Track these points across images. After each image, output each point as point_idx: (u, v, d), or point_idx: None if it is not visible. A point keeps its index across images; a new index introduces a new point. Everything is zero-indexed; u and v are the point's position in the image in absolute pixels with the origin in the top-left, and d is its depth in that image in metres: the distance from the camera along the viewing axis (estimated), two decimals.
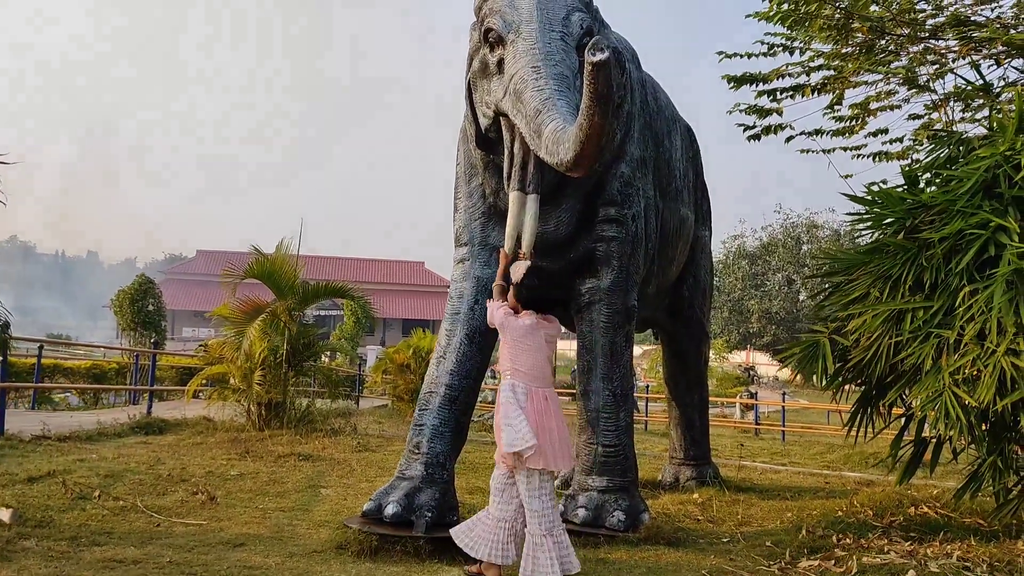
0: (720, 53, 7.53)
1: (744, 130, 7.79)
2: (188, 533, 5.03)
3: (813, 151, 7.97)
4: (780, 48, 7.37)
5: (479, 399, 7.93)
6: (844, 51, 7.07)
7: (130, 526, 5.14)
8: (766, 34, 7.26)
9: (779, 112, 7.61)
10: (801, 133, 7.75)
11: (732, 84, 7.47)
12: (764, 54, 7.40)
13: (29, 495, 5.61)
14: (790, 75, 7.46)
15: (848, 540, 4.99)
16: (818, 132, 7.76)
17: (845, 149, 8.07)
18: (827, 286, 5.47)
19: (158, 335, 20.88)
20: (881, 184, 5.21)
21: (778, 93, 7.50)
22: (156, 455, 7.71)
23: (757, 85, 7.46)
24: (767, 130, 7.73)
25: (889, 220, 4.98)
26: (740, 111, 7.68)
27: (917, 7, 6.90)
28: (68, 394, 17.30)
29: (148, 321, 21.59)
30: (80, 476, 6.26)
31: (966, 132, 5.47)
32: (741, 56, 7.47)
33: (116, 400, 17.13)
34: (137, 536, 4.88)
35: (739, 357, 42.15)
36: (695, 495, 6.69)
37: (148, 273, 25.21)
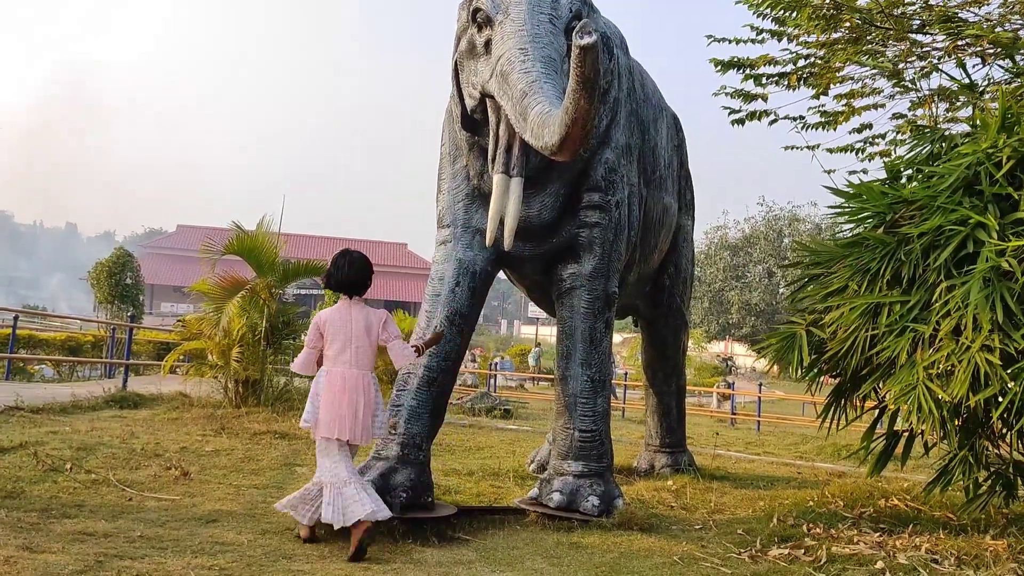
0: (709, 36, 7.50)
1: (729, 113, 7.79)
2: (160, 508, 5.00)
3: (797, 147, 7.99)
4: (768, 34, 7.36)
5: (458, 381, 7.94)
6: (834, 36, 7.05)
7: (102, 500, 5.10)
8: (755, 16, 7.23)
9: (764, 98, 7.61)
10: (786, 117, 7.75)
11: (719, 68, 7.46)
12: (752, 40, 7.39)
13: (0, 466, 5.55)
14: (778, 62, 7.46)
15: (818, 530, 5.04)
16: (801, 119, 7.77)
17: (831, 151, 8.08)
18: (805, 278, 5.49)
19: (135, 309, 20.72)
20: (862, 174, 5.24)
21: (764, 79, 7.50)
22: (130, 429, 7.66)
23: (744, 71, 7.45)
24: (752, 115, 7.73)
25: (869, 214, 5.00)
26: (726, 94, 7.67)
27: (906, 1, 6.91)
28: (43, 366, 17.14)
29: (125, 294, 21.43)
30: (52, 448, 6.21)
31: (949, 129, 5.49)
32: (729, 41, 7.45)
33: (91, 373, 17.00)
34: (108, 510, 4.85)
35: (718, 347, 42.46)
36: (669, 482, 6.73)
37: (127, 246, 24.99)
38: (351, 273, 4.61)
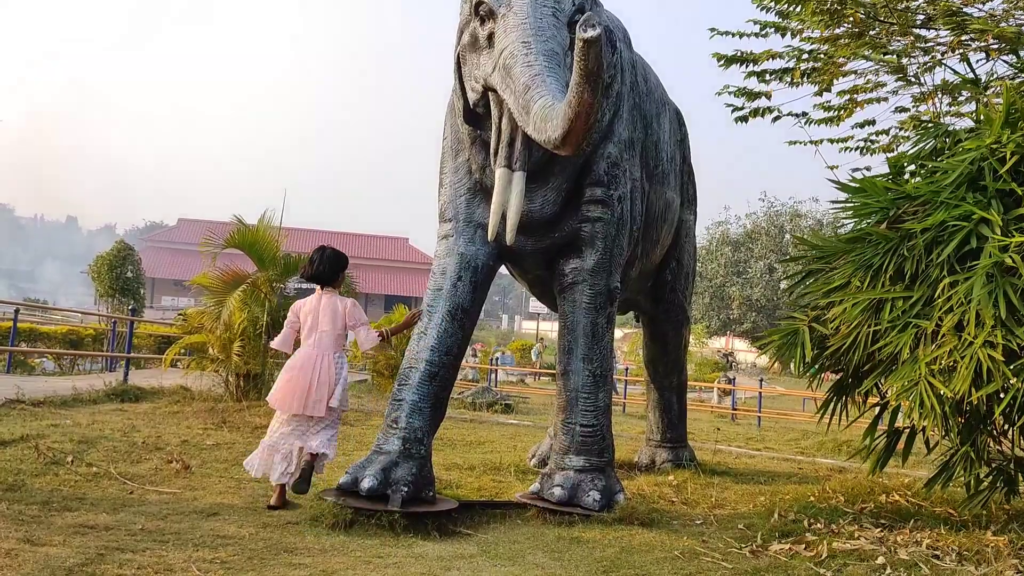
0: (712, 30, 7.48)
1: (732, 111, 7.77)
2: (161, 501, 5.01)
3: (800, 142, 7.97)
4: (772, 28, 7.34)
5: (459, 376, 7.94)
6: (837, 31, 7.03)
7: (103, 492, 5.10)
8: (759, 10, 7.20)
9: (767, 95, 7.59)
10: (789, 114, 7.73)
11: (722, 63, 7.44)
12: (756, 34, 7.36)
13: (1, 459, 5.55)
14: (781, 56, 7.44)
15: (819, 525, 5.04)
16: (804, 115, 7.75)
17: (832, 141, 8.07)
18: (806, 274, 5.47)
19: (136, 302, 20.71)
20: (865, 171, 5.22)
21: (767, 74, 7.47)
22: (131, 422, 7.66)
23: (747, 66, 7.42)
24: (755, 112, 7.71)
25: (872, 209, 4.99)
26: (729, 93, 7.65)
27: None
28: (44, 359, 17.14)
29: (126, 288, 21.43)
30: (53, 441, 6.21)
31: (952, 124, 5.48)
32: (732, 35, 7.42)
33: (92, 367, 17.00)
34: (110, 503, 4.85)
35: (719, 343, 42.44)
36: (670, 477, 6.73)
37: (128, 240, 24.98)
38: (321, 267, 5.25)
